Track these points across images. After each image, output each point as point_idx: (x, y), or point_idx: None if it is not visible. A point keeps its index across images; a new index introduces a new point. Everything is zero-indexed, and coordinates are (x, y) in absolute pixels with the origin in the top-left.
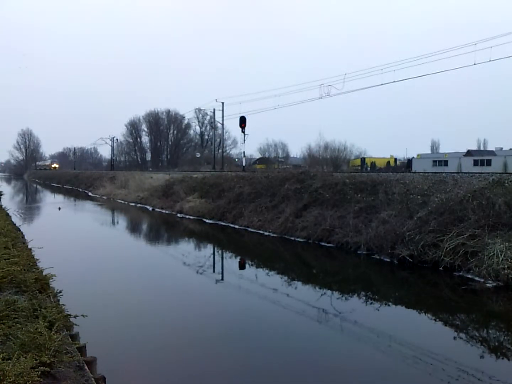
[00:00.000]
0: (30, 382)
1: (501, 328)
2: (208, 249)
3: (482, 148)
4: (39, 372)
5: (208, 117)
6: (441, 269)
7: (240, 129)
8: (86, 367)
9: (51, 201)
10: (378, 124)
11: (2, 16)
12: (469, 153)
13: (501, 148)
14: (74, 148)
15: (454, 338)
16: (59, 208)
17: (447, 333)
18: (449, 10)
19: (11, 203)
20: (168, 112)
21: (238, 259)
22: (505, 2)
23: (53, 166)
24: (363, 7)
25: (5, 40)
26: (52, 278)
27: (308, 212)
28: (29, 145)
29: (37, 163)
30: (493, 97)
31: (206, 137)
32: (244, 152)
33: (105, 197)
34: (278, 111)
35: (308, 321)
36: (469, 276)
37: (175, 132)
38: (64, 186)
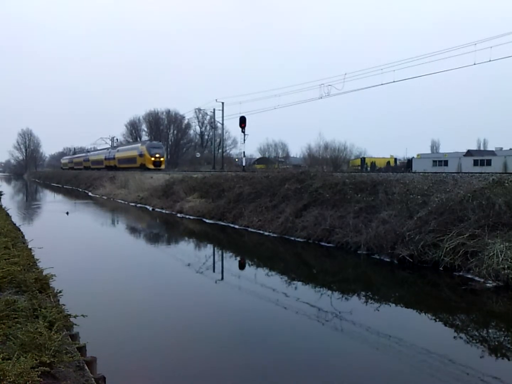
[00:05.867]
0: (30, 382)
1: (501, 328)
2: (208, 249)
3: (482, 148)
4: (39, 372)
5: (208, 117)
6: (441, 269)
7: (240, 129)
8: (86, 367)
9: (51, 200)
10: (378, 124)
11: (2, 14)
12: (469, 153)
13: (501, 148)
14: (74, 148)
15: (454, 338)
16: (67, 213)
17: (447, 333)
18: (449, 10)
19: (11, 202)
20: (168, 112)
21: (238, 259)
22: (505, 2)
23: (161, 158)
24: (363, 7)
25: (5, 39)
26: (52, 278)
27: (308, 212)
28: (29, 145)
29: (70, 157)
30: (493, 97)
31: (206, 137)
32: (244, 152)
33: (105, 197)
34: (278, 111)
35: (308, 321)
36: (469, 276)
37: (175, 132)
38: (64, 186)
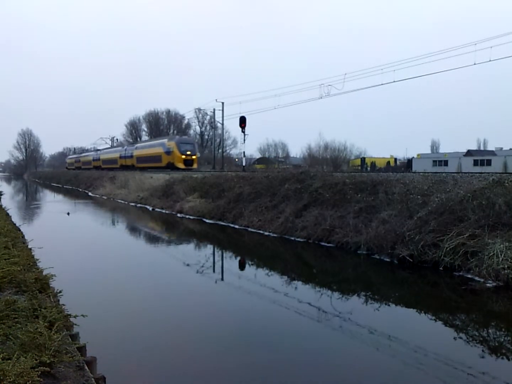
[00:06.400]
0: (30, 382)
1: (501, 328)
2: (208, 249)
3: (482, 148)
4: (39, 372)
5: (208, 117)
6: (441, 269)
7: (240, 129)
8: (86, 367)
9: (51, 200)
10: (378, 124)
11: (2, 14)
12: (469, 153)
13: (501, 148)
14: (74, 148)
15: (454, 338)
16: (68, 213)
17: (447, 333)
18: (449, 10)
19: (11, 202)
20: (168, 112)
21: (238, 259)
22: (505, 2)
23: (193, 156)
24: (363, 7)
25: (5, 38)
26: (52, 278)
27: (308, 212)
28: (29, 145)
29: (77, 156)
30: (493, 97)
31: (206, 137)
32: (244, 152)
33: (105, 197)
34: (278, 111)
35: (308, 321)
36: (469, 276)
37: (175, 132)
38: (64, 186)
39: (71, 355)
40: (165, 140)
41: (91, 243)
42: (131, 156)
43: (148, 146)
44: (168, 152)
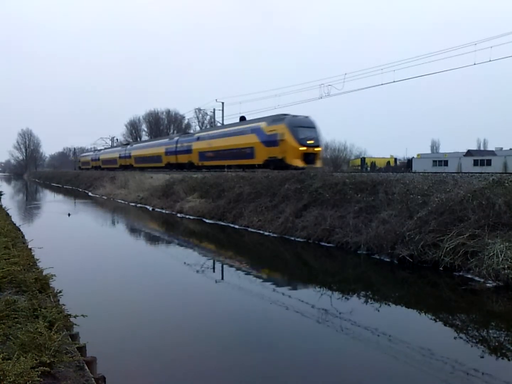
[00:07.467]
0: (30, 382)
1: (501, 328)
2: (208, 249)
3: (482, 148)
4: (39, 372)
5: (208, 117)
6: (441, 269)
7: None
8: (86, 367)
9: (51, 200)
10: (378, 124)
11: (3, 13)
12: (469, 153)
13: (501, 148)
14: (74, 148)
15: (454, 338)
16: (69, 214)
17: (447, 333)
18: (449, 10)
19: (11, 202)
20: (168, 112)
21: (238, 259)
22: (505, 2)
23: (315, 149)
24: (363, 7)
25: (5, 38)
26: (52, 278)
27: (308, 212)
28: (29, 145)
29: (94, 153)
30: (493, 97)
31: None
32: None
33: (105, 197)
34: (278, 111)
35: (308, 321)
36: (469, 276)
37: (175, 132)
38: (64, 186)
39: (71, 355)
40: (262, 124)
41: (91, 243)
42: (188, 151)
43: (227, 135)
44: (271, 142)
